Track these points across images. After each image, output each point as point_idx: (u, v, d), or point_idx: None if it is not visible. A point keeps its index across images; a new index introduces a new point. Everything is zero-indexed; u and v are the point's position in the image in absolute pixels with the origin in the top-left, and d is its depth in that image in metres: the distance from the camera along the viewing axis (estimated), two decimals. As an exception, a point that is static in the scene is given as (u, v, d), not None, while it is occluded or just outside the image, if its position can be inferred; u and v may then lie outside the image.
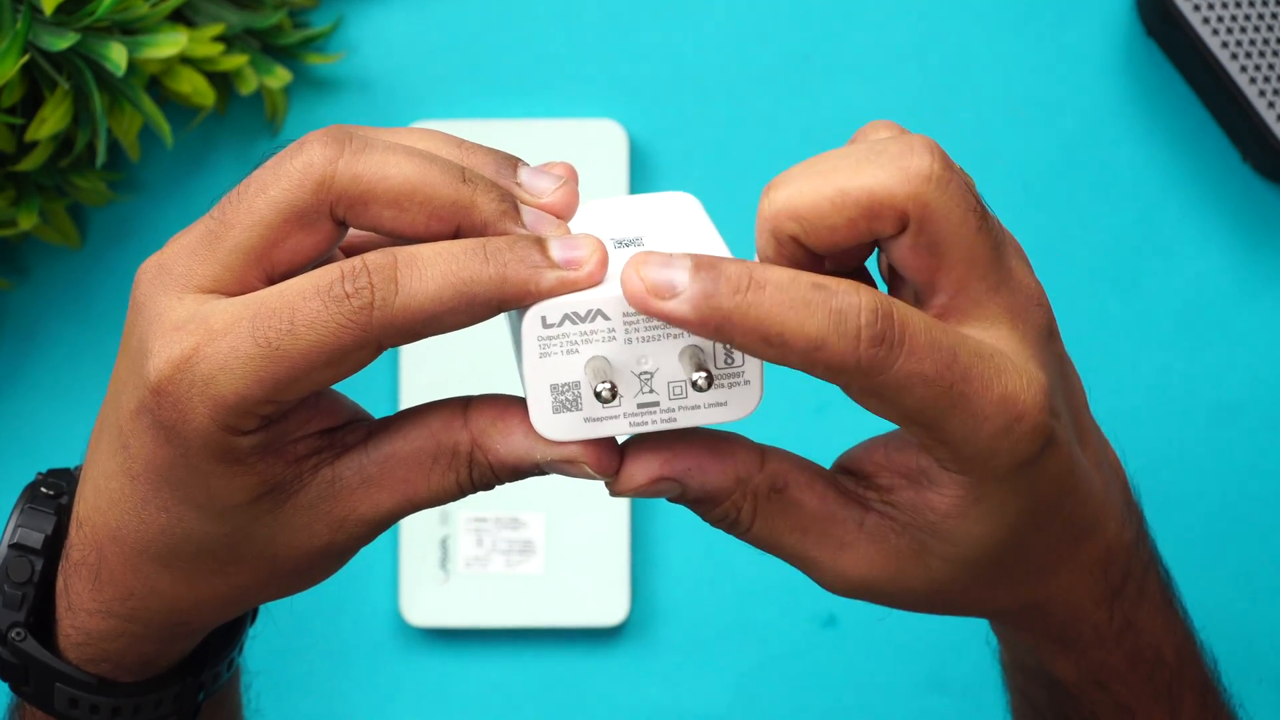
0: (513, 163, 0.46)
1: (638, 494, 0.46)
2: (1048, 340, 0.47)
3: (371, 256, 0.43)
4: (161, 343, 0.44)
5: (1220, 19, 0.80)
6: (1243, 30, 0.81)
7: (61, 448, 0.55)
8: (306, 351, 0.43)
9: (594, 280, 0.44)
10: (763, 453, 0.47)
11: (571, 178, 0.47)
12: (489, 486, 0.47)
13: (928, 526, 0.46)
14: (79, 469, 0.54)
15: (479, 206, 0.44)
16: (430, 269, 0.43)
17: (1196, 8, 0.80)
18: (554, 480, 0.83)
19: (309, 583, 0.49)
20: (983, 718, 0.83)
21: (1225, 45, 0.80)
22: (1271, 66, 0.81)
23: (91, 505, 0.48)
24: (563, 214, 0.46)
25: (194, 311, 0.44)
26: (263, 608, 0.57)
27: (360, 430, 0.46)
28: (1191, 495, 0.85)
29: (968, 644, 0.83)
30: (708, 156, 0.84)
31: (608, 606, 0.83)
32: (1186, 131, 0.84)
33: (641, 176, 0.84)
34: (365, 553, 0.84)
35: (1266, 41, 0.81)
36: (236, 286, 0.44)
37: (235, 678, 0.58)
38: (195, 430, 0.44)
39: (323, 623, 0.84)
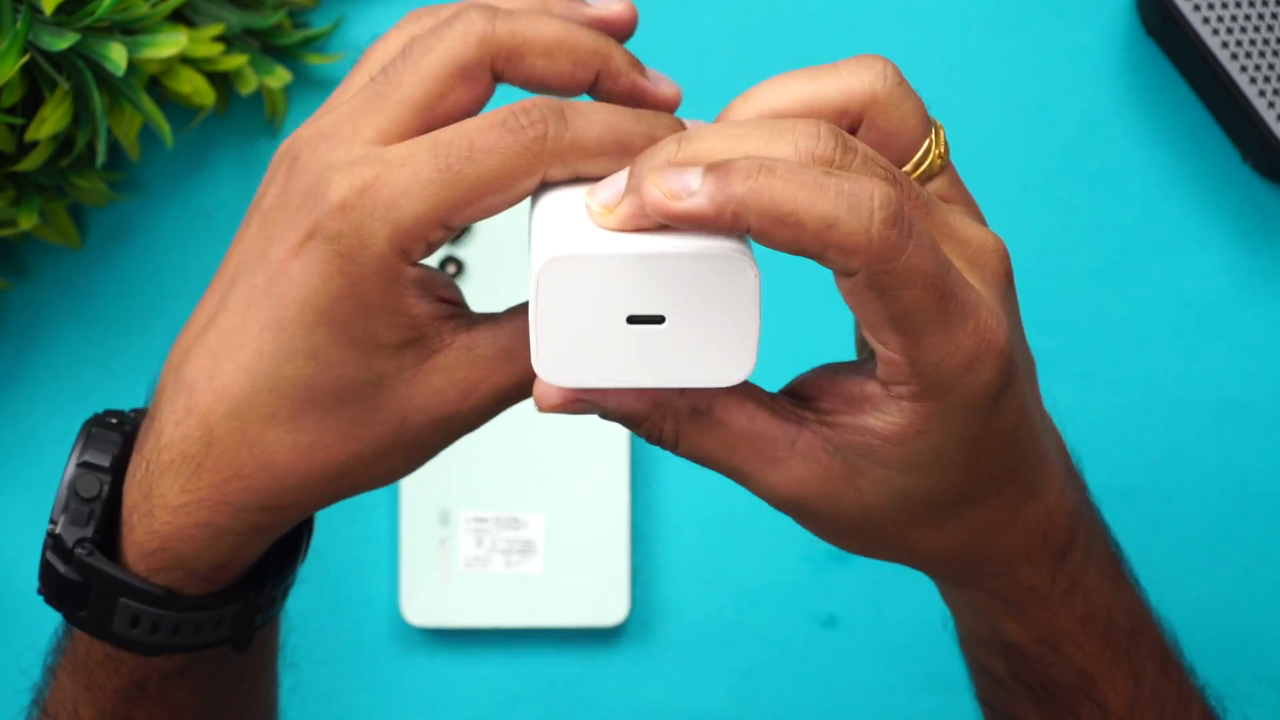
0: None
1: (554, 410, 0.48)
2: (1007, 289, 0.48)
3: (539, 99, 0.47)
4: (341, 175, 0.47)
5: (1220, 19, 0.80)
6: (1243, 30, 0.81)
7: (62, 448, 0.55)
8: (484, 175, 0.46)
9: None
10: None
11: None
12: None
13: (863, 449, 0.47)
14: (135, 411, 0.55)
15: (615, 56, 0.49)
16: (593, 114, 0.47)
17: (1196, 8, 0.80)
18: (554, 480, 0.83)
19: (415, 462, 0.51)
20: (981, 718, 0.83)
21: (1225, 45, 0.80)
22: (1271, 66, 0.81)
23: (207, 385, 0.50)
24: (624, 22, 0.51)
25: (368, 152, 0.47)
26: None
27: (484, 314, 0.50)
28: (1191, 495, 0.85)
29: (968, 644, 0.83)
30: (708, 156, 0.84)
31: (608, 606, 0.83)
32: (1186, 131, 0.84)
33: (641, 176, 0.84)
34: (365, 552, 0.84)
35: (1266, 41, 0.81)
36: (400, 139, 0.48)
37: (276, 624, 0.60)
38: (373, 254, 0.46)
39: (323, 623, 0.84)
